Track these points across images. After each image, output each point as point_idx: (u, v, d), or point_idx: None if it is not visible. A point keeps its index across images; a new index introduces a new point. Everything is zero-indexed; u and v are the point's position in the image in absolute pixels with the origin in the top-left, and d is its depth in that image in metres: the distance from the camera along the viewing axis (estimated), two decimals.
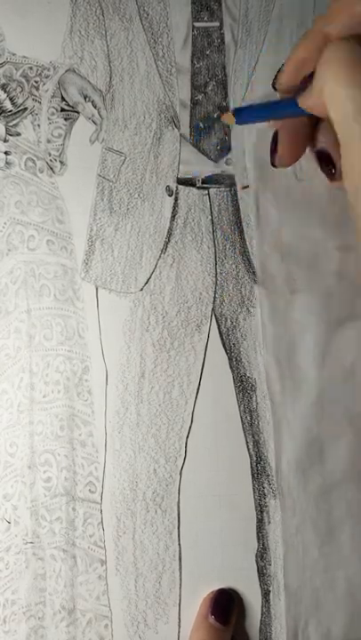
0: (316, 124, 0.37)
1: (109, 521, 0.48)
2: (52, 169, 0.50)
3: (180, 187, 0.50)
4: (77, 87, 0.50)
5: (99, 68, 0.50)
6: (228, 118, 0.41)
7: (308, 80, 0.33)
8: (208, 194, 0.50)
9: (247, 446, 0.48)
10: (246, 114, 0.41)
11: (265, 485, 0.48)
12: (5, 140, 0.50)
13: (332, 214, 0.48)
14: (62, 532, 0.48)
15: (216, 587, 0.47)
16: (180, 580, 0.48)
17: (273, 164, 0.39)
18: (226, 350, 0.49)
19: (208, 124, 0.50)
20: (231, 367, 0.49)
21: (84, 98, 0.50)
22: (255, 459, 0.48)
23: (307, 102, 0.34)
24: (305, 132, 0.37)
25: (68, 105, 0.50)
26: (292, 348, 0.48)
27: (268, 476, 0.48)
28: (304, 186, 0.49)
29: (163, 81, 0.49)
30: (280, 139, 0.38)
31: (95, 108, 0.50)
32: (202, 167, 0.50)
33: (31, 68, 0.50)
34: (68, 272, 0.49)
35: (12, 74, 0.50)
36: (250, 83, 0.49)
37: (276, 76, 0.37)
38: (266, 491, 0.48)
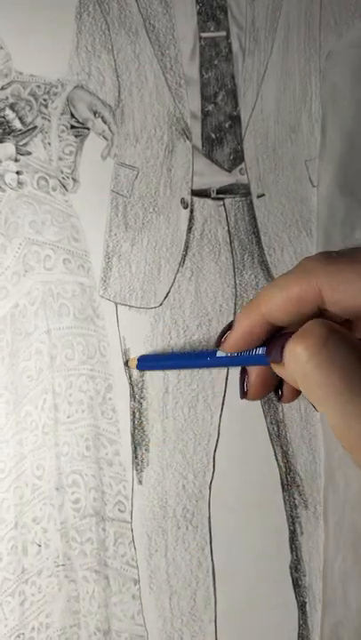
0: None
1: (140, 540, 0.48)
2: (64, 187, 0.49)
3: (194, 198, 0.49)
4: (86, 103, 0.49)
5: (107, 83, 0.49)
6: (132, 363, 0.47)
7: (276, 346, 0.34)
8: (223, 204, 0.49)
9: (276, 457, 0.48)
10: (151, 361, 0.47)
11: (296, 496, 0.48)
12: (16, 160, 0.49)
13: None
14: (94, 553, 0.47)
15: (251, 601, 0.47)
16: (215, 595, 0.47)
17: (241, 398, 0.40)
18: None
19: (220, 135, 0.49)
20: None
21: (94, 114, 0.49)
22: (285, 470, 0.48)
23: (280, 371, 0.35)
24: (274, 375, 0.38)
25: (78, 122, 0.50)
26: None
27: (299, 486, 0.48)
28: None
29: (172, 93, 0.49)
30: (251, 381, 0.39)
31: (105, 123, 0.49)
32: (216, 178, 0.49)
33: (39, 86, 0.49)
34: (87, 290, 0.49)
35: (20, 93, 0.49)
36: (260, 91, 0.49)
37: (222, 337, 0.39)
38: (297, 502, 0.48)
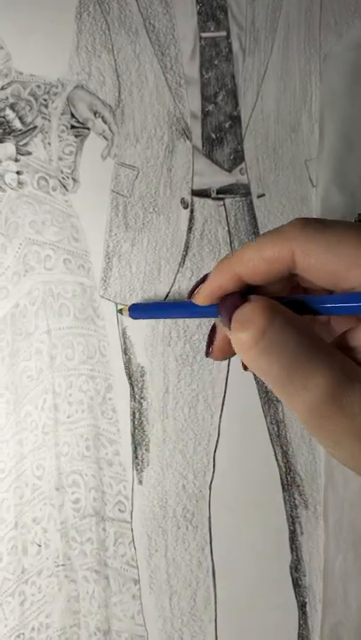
0: None
1: (140, 539, 0.48)
2: (64, 187, 0.49)
3: (195, 198, 0.49)
4: (87, 103, 0.49)
5: (107, 83, 0.49)
6: (124, 310, 0.46)
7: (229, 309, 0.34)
8: (224, 204, 0.49)
9: (276, 457, 0.48)
10: (142, 310, 0.46)
11: (296, 496, 0.48)
12: (17, 160, 0.49)
13: None
14: (94, 553, 0.47)
15: (251, 601, 0.47)
16: (215, 595, 0.47)
17: (206, 355, 0.40)
18: None
19: (220, 135, 0.49)
20: (256, 378, 0.48)
21: (94, 114, 0.49)
22: (285, 470, 0.48)
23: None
24: None
25: (78, 122, 0.50)
26: None
27: (299, 486, 0.48)
28: None
29: (172, 93, 0.49)
30: (217, 340, 0.39)
31: (105, 123, 0.49)
32: (216, 178, 0.49)
33: (39, 86, 0.49)
34: (87, 290, 0.49)
35: (20, 93, 0.49)
36: (260, 91, 0.49)
37: (194, 289, 0.39)
38: (297, 502, 0.48)
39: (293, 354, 0.31)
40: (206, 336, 0.39)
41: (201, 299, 0.38)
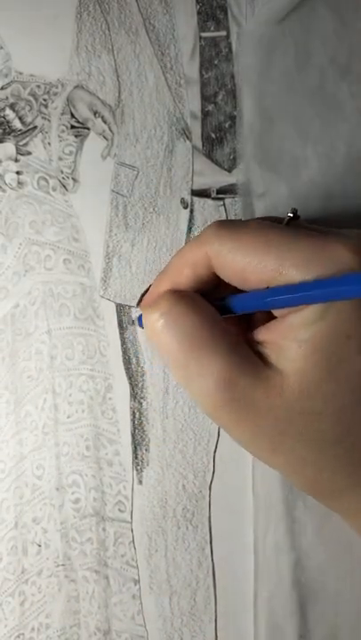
0: None
1: (140, 539, 0.48)
2: (64, 187, 0.49)
3: (194, 198, 0.49)
4: (86, 103, 0.49)
5: (107, 83, 0.49)
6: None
7: None
8: (224, 204, 0.49)
9: None
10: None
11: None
12: (16, 160, 0.49)
13: None
14: (94, 553, 0.47)
15: (251, 601, 0.47)
16: (215, 595, 0.47)
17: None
18: None
19: (220, 135, 0.49)
20: None
21: (94, 114, 0.49)
22: None
23: None
24: None
25: (78, 122, 0.50)
26: None
27: None
28: None
29: (172, 93, 0.49)
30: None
31: (105, 123, 0.49)
32: (216, 178, 0.49)
33: (39, 86, 0.49)
34: (87, 290, 0.49)
35: (20, 93, 0.50)
36: None
37: (140, 299, 0.41)
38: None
39: (192, 336, 0.33)
40: None
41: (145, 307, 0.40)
